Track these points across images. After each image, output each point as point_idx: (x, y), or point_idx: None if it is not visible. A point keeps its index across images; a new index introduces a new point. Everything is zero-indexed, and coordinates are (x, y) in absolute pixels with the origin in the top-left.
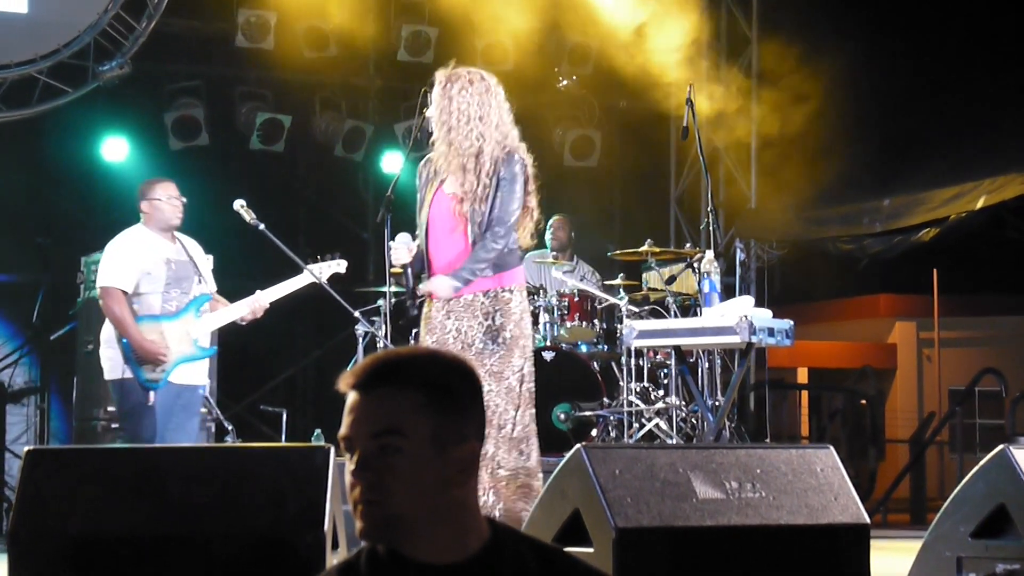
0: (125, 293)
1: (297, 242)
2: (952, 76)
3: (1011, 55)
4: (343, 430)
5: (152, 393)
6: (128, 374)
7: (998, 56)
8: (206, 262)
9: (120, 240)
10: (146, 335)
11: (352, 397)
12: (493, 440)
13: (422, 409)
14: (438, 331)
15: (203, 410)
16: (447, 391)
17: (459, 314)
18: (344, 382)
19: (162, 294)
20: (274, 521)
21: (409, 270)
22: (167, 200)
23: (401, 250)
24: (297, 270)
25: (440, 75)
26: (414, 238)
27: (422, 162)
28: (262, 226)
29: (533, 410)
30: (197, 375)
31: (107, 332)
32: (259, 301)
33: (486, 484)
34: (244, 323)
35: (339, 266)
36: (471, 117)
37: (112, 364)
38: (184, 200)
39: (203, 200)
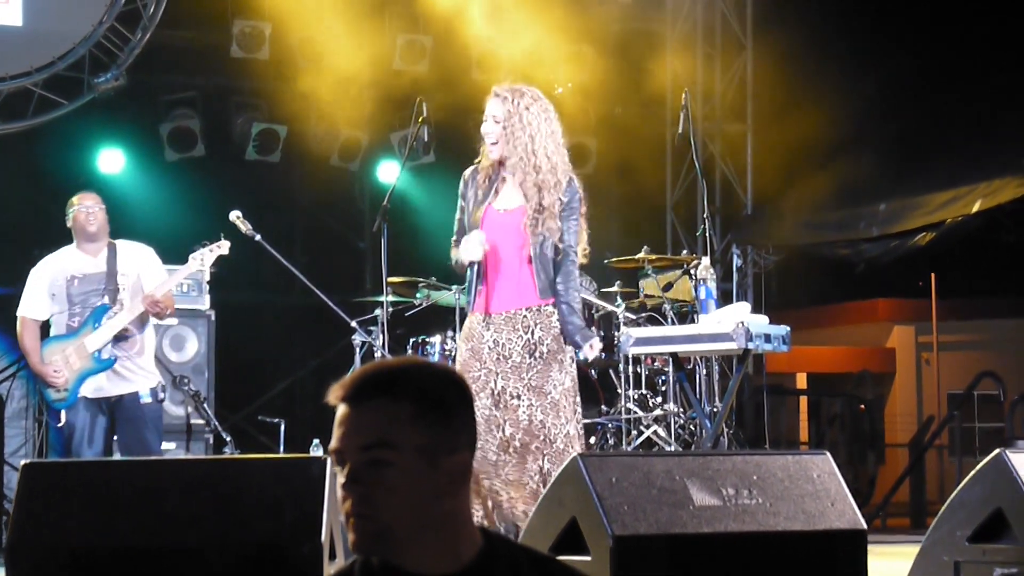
0: (36, 321)
1: (293, 252)
2: (947, 80)
3: (1006, 59)
4: (333, 443)
5: (61, 413)
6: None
7: (993, 60)
8: (148, 267)
9: (36, 266)
10: (49, 357)
11: (342, 409)
12: (548, 455)
13: (412, 421)
14: (475, 340)
15: (200, 421)
16: (437, 402)
17: (499, 326)
18: (334, 395)
19: (67, 312)
20: (271, 531)
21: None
22: (82, 210)
23: (476, 247)
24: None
25: (503, 89)
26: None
27: (470, 170)
28: (258, 237)
29: (577, 424)
30: (127, 382)
31: None
32: (148, 295)
33: (528, 499)
34: (157, 320)
35: (220, 248)
36: (544, 135)
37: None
38: (102, 207)
39: (199, 211)
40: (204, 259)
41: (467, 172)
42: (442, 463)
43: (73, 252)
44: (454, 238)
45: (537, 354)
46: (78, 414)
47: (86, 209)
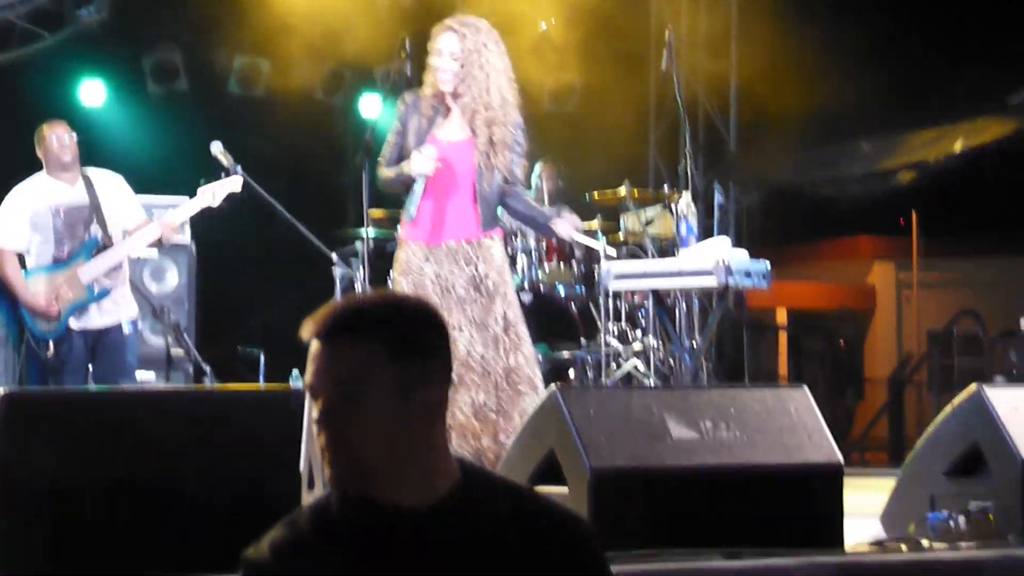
0: (16, 253)
1: (275, 185)
2: (931, 19)
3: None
4: (307, 378)
5: (50, 343)
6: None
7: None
8: (123, 196)
9: (10, 196)
10: (35, 287)
11: (314, 345)
12: (483, 388)
13: (383, 357)
14: (415, 274)
15: (180, 351)
16: (408, 337)
17: (440, 259)
18: (306, 330)
19: (54, 243)
20: (250, 462)
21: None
22: (56, 140)
23: (428, 162)
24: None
25: (459, 25)
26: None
27: (412, 96)
28: (239, 169)
29: (527, 351)
30: (112, 315)
31: None
32: (168, 220)
33: (476, 430)
34: (163, 245)
35: (233, 184)
36: (499, 71)
37: None
38: (73, 136)
39: (182, 144)
40: (216, 193)
41: (408, 97)
42: (415, 397)
43: (49, 181)
44: (382, 158)
45: (482, 288)
46: (70, 346)
47: (59, 138)
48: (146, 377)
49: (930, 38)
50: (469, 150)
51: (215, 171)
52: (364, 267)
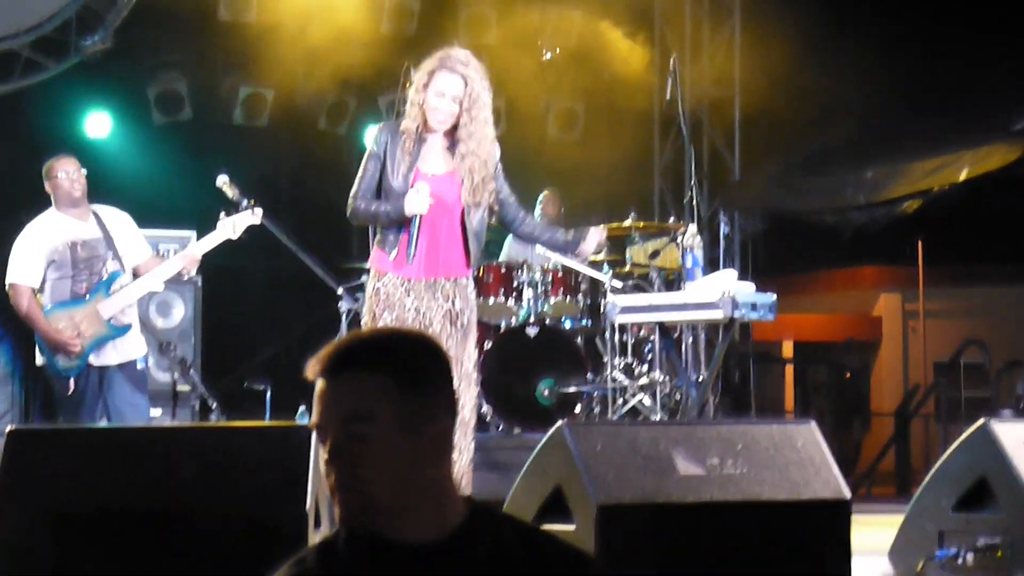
0: (32, 288)
1: (280, 216)
2: (935, 45)
3: (992, 24)
4: (314, 418)
5: (71, 380)
6: (38, 362)
7: (979, 26)
8: (131, 232)
9: (26, 232)
10: (56, 324)
11: (320, 384)
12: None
13: (390, 392)
14: (397, 308)
15: (186, 387)
16: (415, 371)
17: (420, 293)
18: (311, 370)
19: (71, 279)
20: (257, 499)
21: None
22: (65, 175)
23: (423, 201)
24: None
25: (461, 66)
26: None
27: (391, 128)
28: (245, 201)
29: (476, 391)
30: (127, 351)
31: None
32: (191, 254)
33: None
34: (184, 278)
35: (254, 216)
36: (489, 114)
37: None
38: (84, 171)
39: (186, 175)
40: (236, 226)
41: (387, 128)
42: (422, 432)
43: (61, 218)
44: (354, 192)
45: (458, 324)
46: (87, 381)
47: (70, 174)
48: (153, 413)
49: (934, 65)
50: (454, 183)
51: (220, 202)
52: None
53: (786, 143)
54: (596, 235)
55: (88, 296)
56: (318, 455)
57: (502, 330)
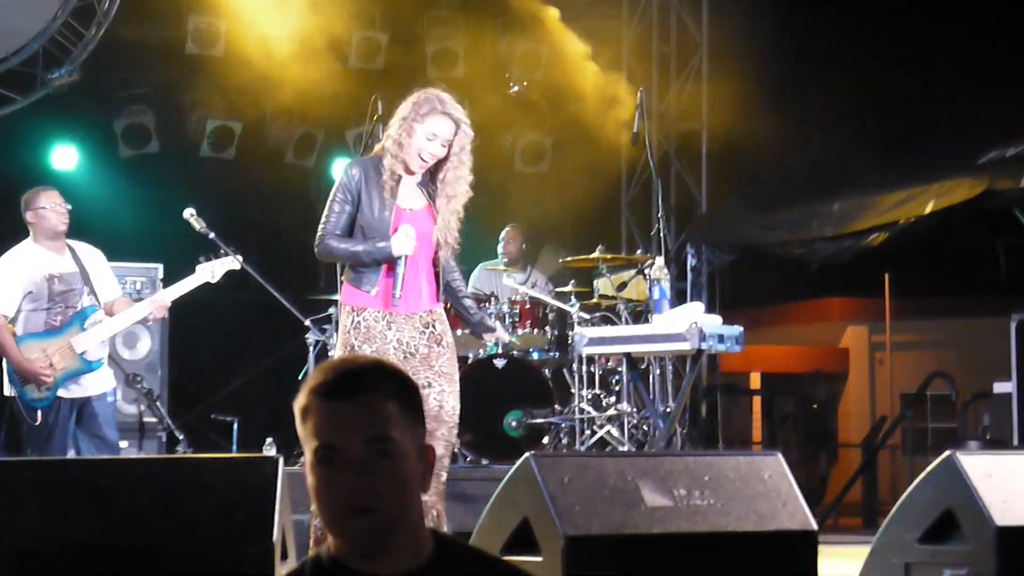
0: (6, 317)
1: (248, 250)
2: (901, 80)
3: (959, 58)
4: (329, 438)
5: (39, 412)
6: (9, 393)
7: (944, 61)
8: (104, 269)
9: (2, 262)
10: (28, 354)
11: (331, 405)
12: (444, 442)
13: (401, 415)
14: (378, 341)
15: (153, 419)
16: (413, 399)
17: (401, 325)
18: (318, 391)
19: (46, 311)
20: (223, 531)
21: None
22: (51, 208)
23: (410, 243)
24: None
25: (458, 113)
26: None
27: (369, 164)
28: (212, 234)
29: None
30: (99, 384)
31: None
32: (161, 299)
33: (443, 490)
34: (148, 322)
35: (233, 263)
36: (470, 161)
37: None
38: (69, 207)
39: (153, 208)
40: (214, 271)
41: (361, 164)
42: (421, 457)
43: (38, 250)
44: (325, 229)
45: (443, 343)
46: (58, 414)
47: (56, 207)
48: (119, 445)
49: (900, 100)
50: (430, 217)
51: (188, 236)
52: (338, 333)
53: (753, 176)
54: (499, 333)
55: (62, 329)
56: (286, 486)
57: (470, 361)
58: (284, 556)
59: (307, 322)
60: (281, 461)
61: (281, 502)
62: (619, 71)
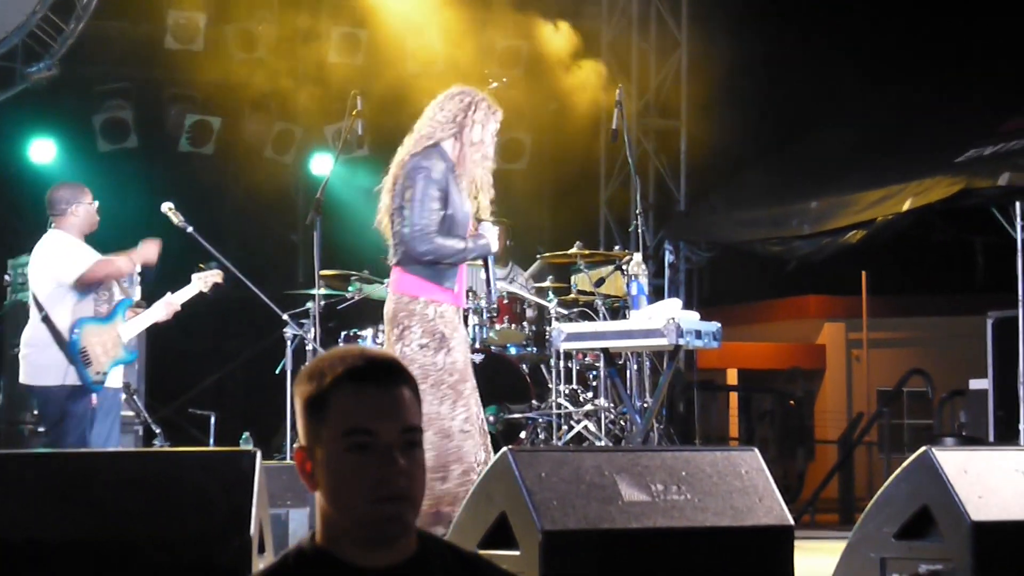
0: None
1: (226, 245)
2: (879, 79)
3: (937, 57)
4: (363, 423)
5: (94, 396)
6: (59, 380)
7: (924, 58)
8: None
9: (62, 240)
10: (89, 338)
11: (363, 391)
12: (483, 446)
13: (419, 408)
14: (459, 333)
15: (130, 413)
16: (419, 393)
17: (461, 320)
18: (350, 377)
19: (94, 299)
20: (201, 525)
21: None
22: (91, 206)
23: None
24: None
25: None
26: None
27: (449, 165)
28: (190, 228)
29: None
30: (118, 378)
31: (32, 334)
32: (173, 303)
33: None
34: (159, 325)
35: (217, 276)
36: None
37: (37, 368)
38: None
39: (131, 202)
40: (206, 281)
41: (442, 160)
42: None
43: (79, 240)
44: (428, 227)
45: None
46: (101, 403)
47: (93, 203)
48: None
49: (878, 97)
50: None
51: (166, 230)
52: (316, 327)
53: (731, 174)
54: None
55: (110, 318)
56: (263, 480)
57: None
58: (261, 550)
59: (285, 317)
60: (259, 455)
61: (258, 496)
62: (598, 68)
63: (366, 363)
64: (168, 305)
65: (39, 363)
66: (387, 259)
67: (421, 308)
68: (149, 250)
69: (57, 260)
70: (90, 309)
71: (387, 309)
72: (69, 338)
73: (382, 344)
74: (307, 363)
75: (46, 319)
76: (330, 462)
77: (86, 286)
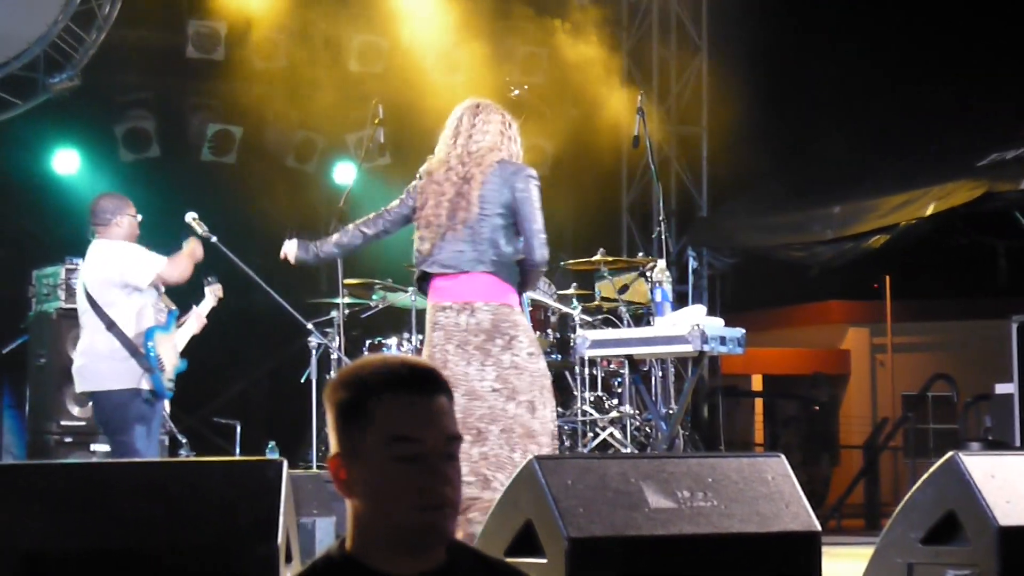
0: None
1: (249, 254)
2: (901, 83)
3: (959, 63)
4: (410, 431)
5: (166, 402)
6: (131, 384)
7: (946, 63)
8: None
9: (114, 246)
10: (159, 347)
11: (409, 399)
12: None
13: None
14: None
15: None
16: None
17: None
18: (394, 384)
19: (155, 306)
20: (227, 535)
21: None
22: (136, 219)
23: None
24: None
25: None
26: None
27: None
28: (214, 238)
29: None
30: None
31: (91, 344)
32: (201, 315)
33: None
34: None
35: (216, 291)
36: None
37: (101, 376)
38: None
39: (155, 212)
40: (216, 293)
41: None
42: None
43: (136, 245)
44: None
45: None
46: (158, 410)
47: (137, 220)
48: None
49: (901, 102)
50: None
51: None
52: (340, 336)
53: (753, 180)
54: None
55: (167, 327)
56: (290, 489)
57: None
58: (289, 559)
59: (309, 325)
60: (285, 464)
61: (285, 505)
62: (619, 75)
63: (410, 371)
64: (199, 317)
65: (102, 371)
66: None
67: (520, 318)
68: (197, 250)
69: (123, 265)
70: (152, 316)
71: (478, 320)
72: (145, 347)
73: (407, 352)
74: (338, 372)
75: (112, 327)
76: (375, 470)
77: (160, 285)
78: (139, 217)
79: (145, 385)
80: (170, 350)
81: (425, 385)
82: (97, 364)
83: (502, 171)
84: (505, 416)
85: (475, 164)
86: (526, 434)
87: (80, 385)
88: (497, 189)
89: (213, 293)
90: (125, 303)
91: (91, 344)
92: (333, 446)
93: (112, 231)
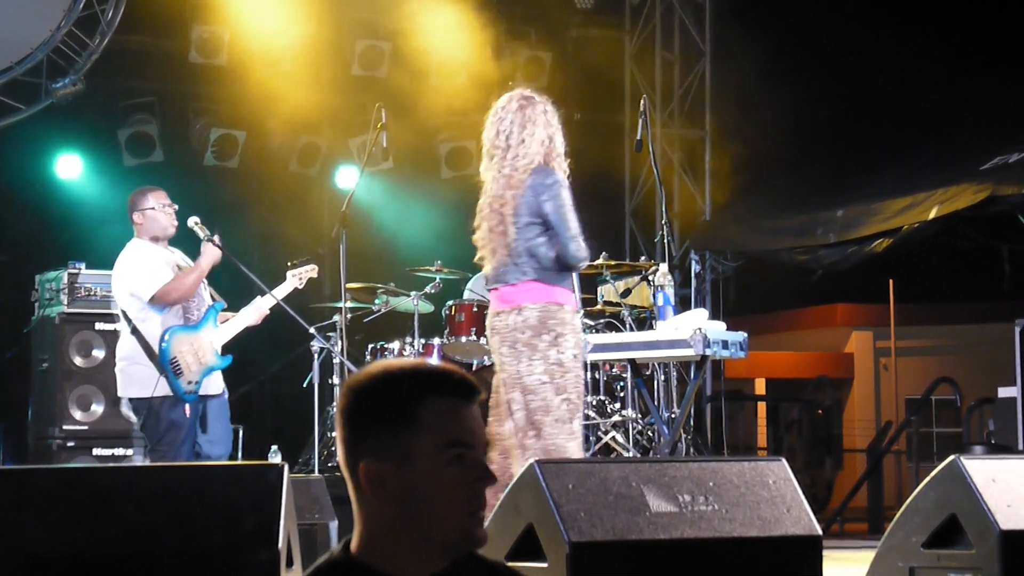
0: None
1: (252, 258)
2: (905, 86)
3: (963, 65)
4: (463, 436)
5: (188, 407)
6: (148, 392)
7: (950, 66)
8: None
9: (138, 251)
10: (178, 347)
11: (457, 405)
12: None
13: None
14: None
15: None
16: None
17: None
18: (444, 390)
19: (182, 305)
20: (229, 539)
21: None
22: (160, 208)
23: None
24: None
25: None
26: None
27: None
28: (216, 239)
29: None
30: (218, 383)
31: (122, 347)
32: (262, 308)
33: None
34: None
35: (312, 271)
36: None
37: (131, 381)
38: (176, 206)
39: None
40: (301, 277)
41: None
42: None
43: (158, 247)
44: (580, 236)
45: None
46: (195, 411)
47: (165, 208)
48: (126, 453)
49: (904, 105)
50: None
51: (192, 244)
52: (342, 340)
53: (756, 183)
54: None
55: (200, 324)
56: (291, 493)
57: (474, 369)
58: (290, 563)
59: (312, 330)
60: (286, 469)
61: (287, 509)
62: (622, 78)
63: (454, 378)
64: (259, 309)
65: (133, 376)
66: (485, 281)
67: (570, 317)
68: (213, 253)
69: (132, 275)
70: (179, 316)
71: (525, 316)
72: (159, 348)
73: (409, 355)
74: (362, 374)
75: (135, 331)
76: (426, 475)
77: (162, 305)
78: (161, 207)
79: (160, 390)
80: (200, 348)
81: (470, 391)
82: (128, 368)
83: (533, 181)
84: (556, 408)
85: (510, 187)
86: (569, 432)
87: (119, 390)
88: (530, 200)
89: (299, 277)
90: (144, 307)
91: (119, 348)
92: (366, 451)
93: (137, 229)
